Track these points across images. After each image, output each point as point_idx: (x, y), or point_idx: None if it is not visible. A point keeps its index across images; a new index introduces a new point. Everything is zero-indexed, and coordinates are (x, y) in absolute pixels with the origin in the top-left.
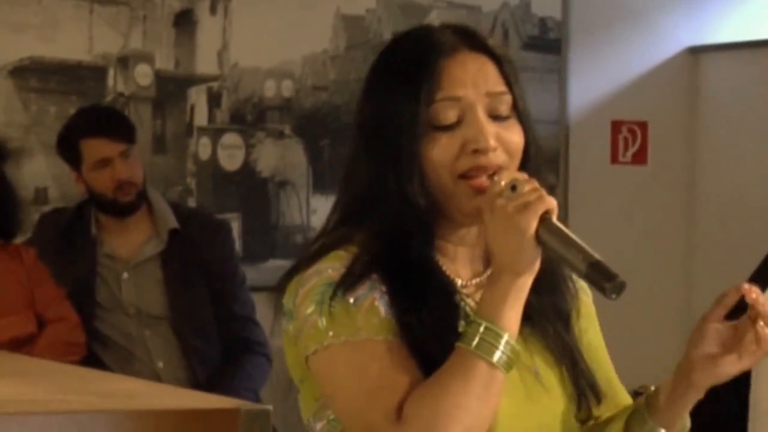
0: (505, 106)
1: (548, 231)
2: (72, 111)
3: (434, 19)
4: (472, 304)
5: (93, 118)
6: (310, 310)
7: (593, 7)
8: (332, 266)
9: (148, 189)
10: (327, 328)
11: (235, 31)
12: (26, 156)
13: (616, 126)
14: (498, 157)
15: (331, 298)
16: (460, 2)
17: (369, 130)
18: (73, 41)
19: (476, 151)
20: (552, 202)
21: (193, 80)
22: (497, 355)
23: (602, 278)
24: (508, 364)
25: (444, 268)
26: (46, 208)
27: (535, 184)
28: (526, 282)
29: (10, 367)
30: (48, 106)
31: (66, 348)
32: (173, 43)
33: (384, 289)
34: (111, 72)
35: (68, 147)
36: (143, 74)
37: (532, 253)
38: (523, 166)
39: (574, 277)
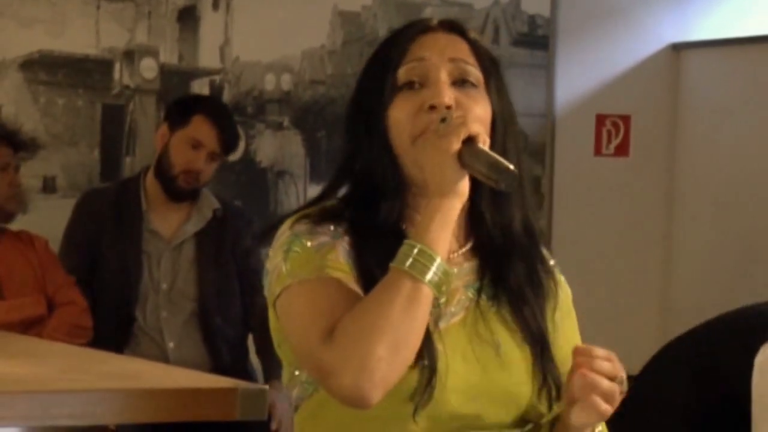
0: (472, 75)
1: (469, 152)
2: (80, 103)
3: (428, 15)
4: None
5: (220, 111)
6: (278, 259)
7: (580, 5)
8: (301, 221)
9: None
10: (288, 271)
11: (236, 26)
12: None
13: (600, 119)
14: (479, 124)
15: (295, 244)
16: (453, 0)
17: (351, 109)
18: (80, 36)
19: (432, 108)
20: (475, 128)
21: (196, 74)
22: (429, 275)
23: (496, 173)
24: (439, 285)
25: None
26: (54, 197)
27: (465, 116)
28: (452, 204)
29: (21, 348)
30: (56, 98)
31: (74, 330)
32: (177, 38)
33: (348, 240)
34: (117, 65)
35: (182, 111)
36: (148, 68)
37: (455, 174)
38: (492, 146)
39: (553, 271)
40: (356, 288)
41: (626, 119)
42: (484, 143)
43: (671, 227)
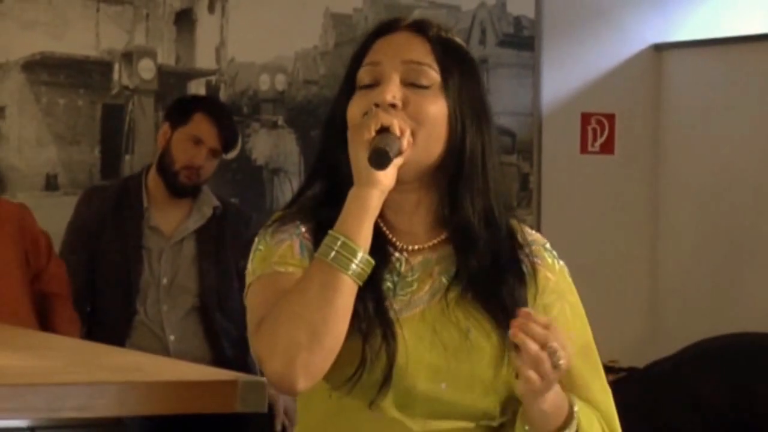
0: (423, 77)
1: (375, 141)
2: (80, 103)
3: (416, 17)
4: (404, 264)
5: (219, 109)
6: (249, 259)
7: (564, 6)
8: (272, 221)
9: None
10: (252, 269)
11: (231, 28)
12: (38, 145)
13: (585, 118)
14: (394, 117)
15: (260, 244)
16: (441, 2)
17: (328, 112)
18: (80, 38)
19: (376, 105)
20: (386, 119)
21: (192, 74)
22: (352, 267)
23: (371, 155)
24: (362, 276)
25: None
26: (57, 194)
27: (383, 113)
28: (369, 193)
29: (24, 342)
30: (57, 98)
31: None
32: (174, 40)
33: (308, 237)
34: (116, 66)
35: (184, 110)
36: (146, 69)
37: (367, 162)
38: (448, 142)
39: (538, 255)
40: None
41: (611, 118)
42: (401, 133)
43: (656, 222)
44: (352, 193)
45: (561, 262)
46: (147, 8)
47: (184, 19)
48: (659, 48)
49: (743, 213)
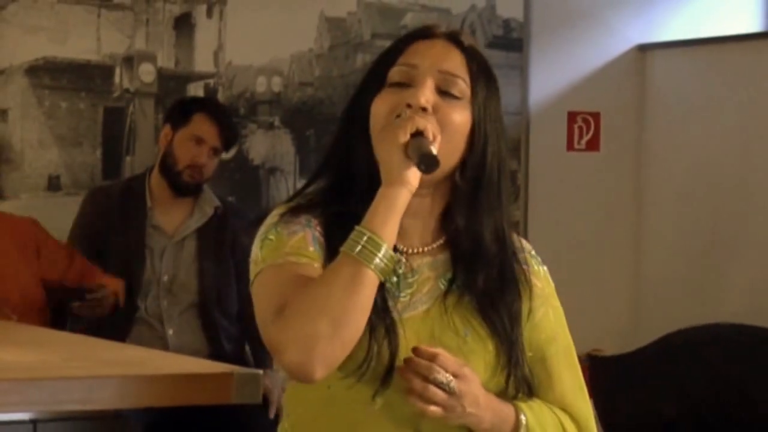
0: (457, 88)
1: (413, 144)
2: (82, 106)
3: (408, 21)
4: (404, 266)
5: (218, 109)
6: (257, 247)
7: (552, 9)
8: (279, 212)
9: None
10: (262, 258)
11: (229, 32)
12: (40, 147)
13: (571, 116)
14: (428, 121)
15: (270, 233)
16: (433, 5)
17: (347, 102)
18: (82, 43)
19: (408, 106)
20: (421, 123)
21: (191, 77)
22: (376, 261)
23: (419, 158)
24: (384, 271)
25: None
26: (59, 194)
27: (420, 117)
28: (398, 193)
29: (26, 337)
30: (60, 102)
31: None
32: (173, 44)
33: (320, 230)
34: (117, 70)
35: (184, 111)
36: (147, 72)
37: (401, 164)
38: (470, 156)
39: (527, 263)
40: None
41: (596, 116)
42: (433, 138)
43: (640, 217)
44: (381, 191)
45: (544, 267)
46: (147, 14)
47: (183, 24)
48: (643, 48)
49: (723, 208)
